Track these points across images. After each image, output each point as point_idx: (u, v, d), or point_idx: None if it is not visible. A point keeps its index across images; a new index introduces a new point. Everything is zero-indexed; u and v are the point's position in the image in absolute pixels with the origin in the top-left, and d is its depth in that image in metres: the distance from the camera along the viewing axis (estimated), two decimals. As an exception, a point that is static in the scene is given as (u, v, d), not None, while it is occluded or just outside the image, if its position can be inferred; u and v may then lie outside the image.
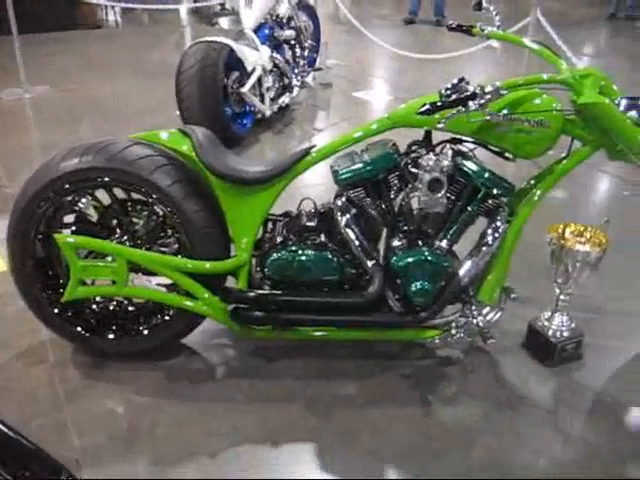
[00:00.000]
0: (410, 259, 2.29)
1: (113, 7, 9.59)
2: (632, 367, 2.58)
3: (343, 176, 2.29)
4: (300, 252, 2.37)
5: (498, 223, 2.31)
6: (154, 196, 2.33)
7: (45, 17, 8.65)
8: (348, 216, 2.32)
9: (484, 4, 2.74)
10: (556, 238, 2.45)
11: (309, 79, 6.07)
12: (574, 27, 9.40)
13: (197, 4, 10.20)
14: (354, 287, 2.41)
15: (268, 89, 5.00)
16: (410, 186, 2.28)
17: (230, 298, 2.38)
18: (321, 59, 6.42)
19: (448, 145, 2.30)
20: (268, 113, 4.99)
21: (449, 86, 2.09)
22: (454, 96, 2.03)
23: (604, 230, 2.50)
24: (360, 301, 2.33)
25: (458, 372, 2.51)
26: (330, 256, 2.37)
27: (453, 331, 2.39)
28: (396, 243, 2.33)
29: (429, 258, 2.29)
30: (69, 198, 2.38)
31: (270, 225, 2.53)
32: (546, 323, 2.58)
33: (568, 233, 2.50)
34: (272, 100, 5.12)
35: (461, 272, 2.32)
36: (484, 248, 2.31)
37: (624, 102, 2.27)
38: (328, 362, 2.55)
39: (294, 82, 5.38)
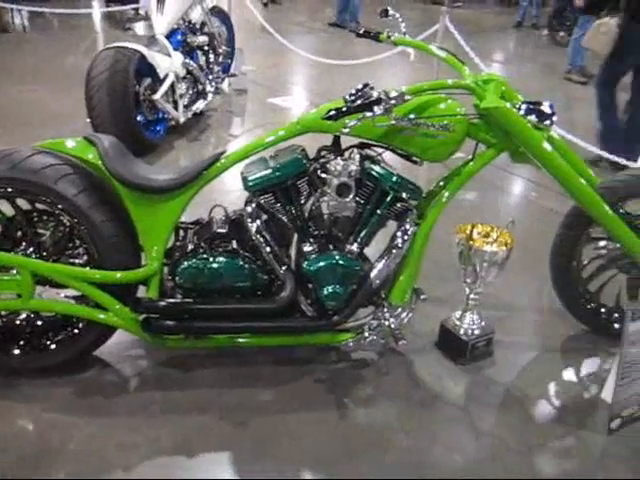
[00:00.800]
0: (321, 263, 2.30)
1: (20, 10, 9.25)
2: (538, 361, 2.69)
3: (252, 182, 2.28)
4: (211, 259, 2.35)
5: (407, 226, 2.36)
6: (60, 206, 2.25)
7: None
8: (259, 222, 2.31)
9: (390, 11, 2.80)
10: (464, 239, 2.52)
11: (224, 85, 6.04)
12: (483, 34, 9.71)
13: (109, 9, 9.98)
14: (267, 293, 2.41)
15: (181, 96, 4.94)
16: (319, 191, 2.29)
17: (141, 308, 2.33)
18: (236, 65, 6.40)
19: (356, 150, 2.33)
20: (182, 120, 4.94)
21: (353, 92, 2.12)
22: (359, 101, 2.06)
23: (510, 230, 2.59)
24: (272, 307, 2.33)
25: (373, 374, 2.55)
26: (242, 263, 2.36)
27: (366, 334, 2.41)
28: (307, 248, 2.35)
29: (340, 262, 2.31)
30: None
31: (181, 233, 2.49)
32: (457, 322, 2.65)
33: (475, 234, 2.58)
34: (186, 107, 5.06)
35: (372, 275, 2.35)
36: (394, 251, 2.35)
37: (524, 107, 2.35)
38: (243, 369, 2.53)
39: (208, 88, 5.34)
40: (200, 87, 5.28)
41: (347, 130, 2.10)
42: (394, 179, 2.30)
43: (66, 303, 2.40)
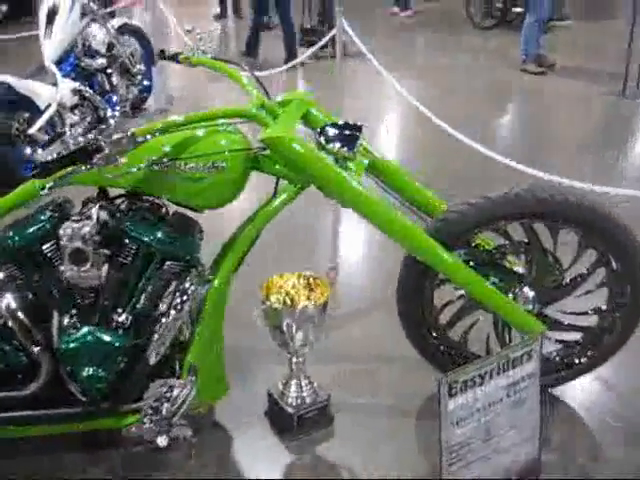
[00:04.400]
0: (75, 341, 1.92)
1: None
2: (383, 432, 2.25)
3: None
4: None
5: (186, 285, 1.96)
6: None
7: None
8: (9, 297, 1.93)
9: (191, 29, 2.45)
10: (263, 297, 2.11)
11: (150, 103, 5.70)
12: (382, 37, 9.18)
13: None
14: (27, 378, 2.02)
15: (72, 125, 4.57)
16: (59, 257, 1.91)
17: None
18: (156, 83, 6.02)
19: (96, 205, 1.93)
20: (75, 150, 4.57)
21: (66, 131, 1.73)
22: (65, 150, 1.68)
23: (331, 278, 2.18)
24: (24, 394, 1.96)
25: (180, 457, 2.15)
26: None
27: (145, 418, 1.99)
28: (65, 322, 1.96)
29: (98, 338, 1.92)
30: None
31: None
32: (283, 390, 2.24)
33: (288, 286, 2.17)
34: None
35: (148, 350, 1.96)
36: (169, 318, 1.95)
37: (331, 131, 1.96)
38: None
39: (109, 114, 4.95)
40: (101, 113, 4.91)
41: (45, 192, 1.72)
42: (157, 236, 1.91)
43: None
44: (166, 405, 1.95)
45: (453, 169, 4.39)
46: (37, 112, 4.27)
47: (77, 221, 1.86)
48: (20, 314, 1.93)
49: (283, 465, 2.11)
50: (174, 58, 2.45)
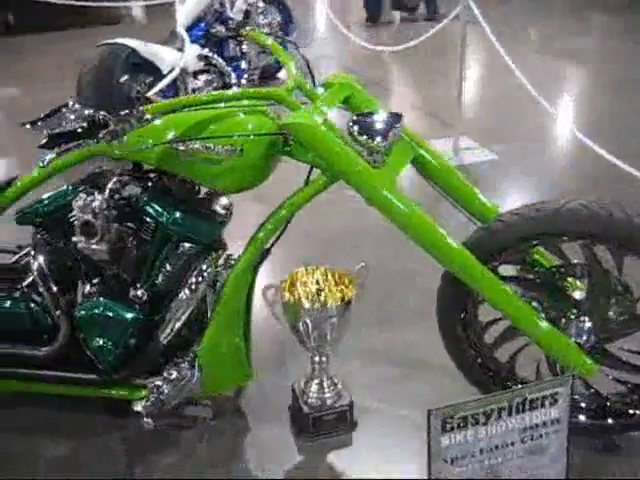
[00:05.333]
0: (90, 310, 1.94)
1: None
2: (404, 444, 2.08)
3: (19, 213, 1.99)
4: None
5: (204, 266, 1.91)
6: None
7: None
8: (40, 258, 1.99)
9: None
10: (281, 292, 1.99)
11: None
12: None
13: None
14: (47, 339, 2.07)
15: (195, 90, 4.68)
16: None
17: None
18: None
19: (115, 179, 1.90)
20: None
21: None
22: (75, 126, 1.65)
23: (360, 276, 2.02)
24: (41, 354, 2.02)
25: (192, 437, 2.12)
26: (20, 303, 2.05)
27: (151, 395, 1.96)
28: (85, 291, 1.98)
29: (111, 309, 1.93)
30: None
31: None
32: (304, 388, 2.13)
33: (314, 281, 2.04)
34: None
35: (160, 327, 1.93)
36: (183, 299, 1.91)
37: (365, 120, 1.82)
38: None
39: (234, 81, 5.01)
40: (226, 80, 4.98)
41: (43, 164, 1.71)
42: (171, 217, 1.87)
43: None
44: (166, 387, 1.92)
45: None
46: (160, 76, 4.41)
47: (90, 194, 1.85)
48: (48, 277, 1.98)
49: (289, 466, 2.02)
50: (237, 30, 2.38)
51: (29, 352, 2.04)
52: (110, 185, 1.86)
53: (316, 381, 2.11)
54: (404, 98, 6.10)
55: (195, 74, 4.72)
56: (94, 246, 1.86)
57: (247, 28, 2.43)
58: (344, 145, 1.76)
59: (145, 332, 1.96)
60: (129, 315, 1.93)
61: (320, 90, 2.03)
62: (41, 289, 1.99)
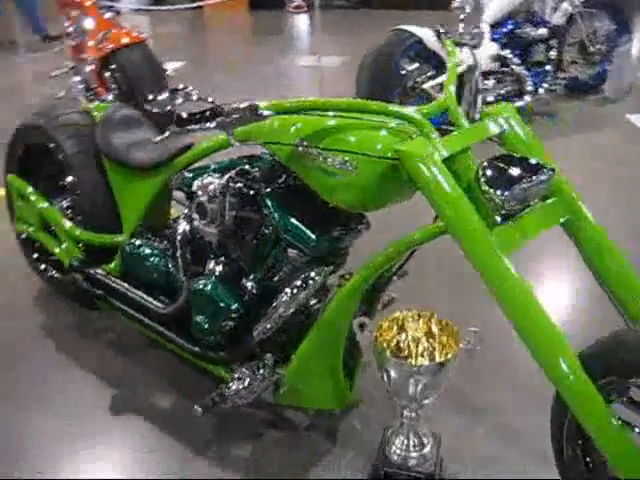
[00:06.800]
0: (201, 286, 1.98)
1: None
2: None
3: (176, 179, 2.10)
4: (142, 247, 2.29)
5: (311, 274, 1.83)
6: (60, 158, 2.47)
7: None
8: (184, 225, 2.09)
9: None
10: (375, 340, 1.79)
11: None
12: None
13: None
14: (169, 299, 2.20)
15: (479, 91, 4.43)
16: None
17: (73, 267, 2.44)
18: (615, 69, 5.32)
19: (239, 168, 1.89)
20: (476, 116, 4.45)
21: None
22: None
23: (469, 340, 1.74)
24: (160, 311, 2.16)
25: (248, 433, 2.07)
26: (164, 259, 2.22)
27: (231, 384, 1.92)
28: (210, 266, 2.02)
29: (218, 291, 1.95)
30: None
31: None
32: (390, 437, 1.93)
33: (396, 327, 1.81)
34: (488, 104, 4.53)
35: (257, 322, 1.91)
36: (282, 301, 1.85)
37: (497, 166, 1.56)
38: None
39: (528, 88, 4.63)
40: (523, 86, 4.63)
41: (236, 145, 1.71)
42: (282, 219, 1.81)
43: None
44: (235, 386, 1.89)
45: None
46: (443, 69, 4.28)
47: (214, 177, 1.87)
48: (186, 244, 2.07)
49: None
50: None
51: (153, 305, 2.19)
52: (232, 173, 1.86)
53: (401, 437, 1.90)
54: None
55: (486, 74, 4.48)
56: (204, 227, 1.89)
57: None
58: (459, 192, 1.51)
59: (244, 323, 1.95)
60: (232, 303, 1.93)
61: (477, 118, 1.76)
62: (178, 253, 2.09)
